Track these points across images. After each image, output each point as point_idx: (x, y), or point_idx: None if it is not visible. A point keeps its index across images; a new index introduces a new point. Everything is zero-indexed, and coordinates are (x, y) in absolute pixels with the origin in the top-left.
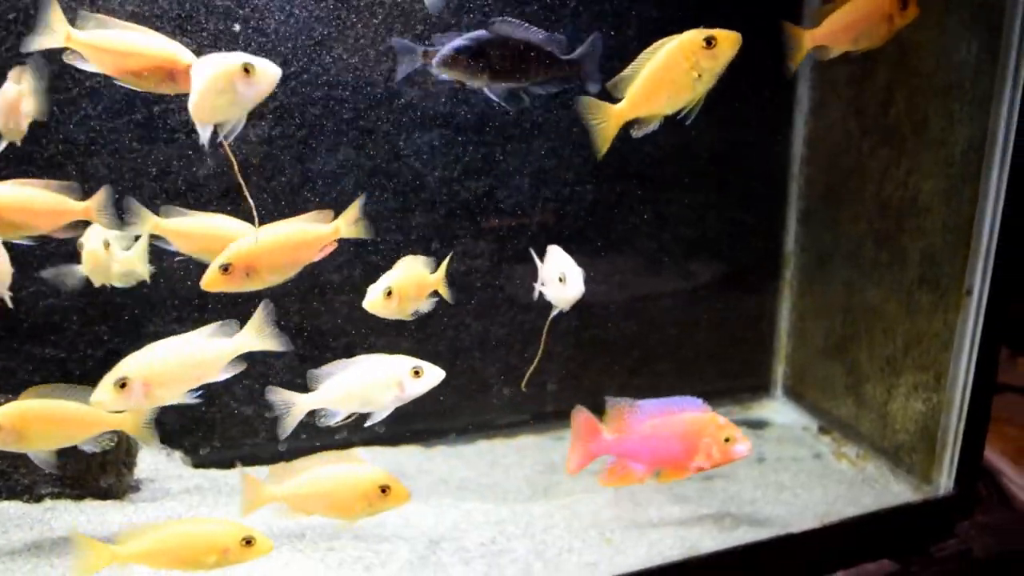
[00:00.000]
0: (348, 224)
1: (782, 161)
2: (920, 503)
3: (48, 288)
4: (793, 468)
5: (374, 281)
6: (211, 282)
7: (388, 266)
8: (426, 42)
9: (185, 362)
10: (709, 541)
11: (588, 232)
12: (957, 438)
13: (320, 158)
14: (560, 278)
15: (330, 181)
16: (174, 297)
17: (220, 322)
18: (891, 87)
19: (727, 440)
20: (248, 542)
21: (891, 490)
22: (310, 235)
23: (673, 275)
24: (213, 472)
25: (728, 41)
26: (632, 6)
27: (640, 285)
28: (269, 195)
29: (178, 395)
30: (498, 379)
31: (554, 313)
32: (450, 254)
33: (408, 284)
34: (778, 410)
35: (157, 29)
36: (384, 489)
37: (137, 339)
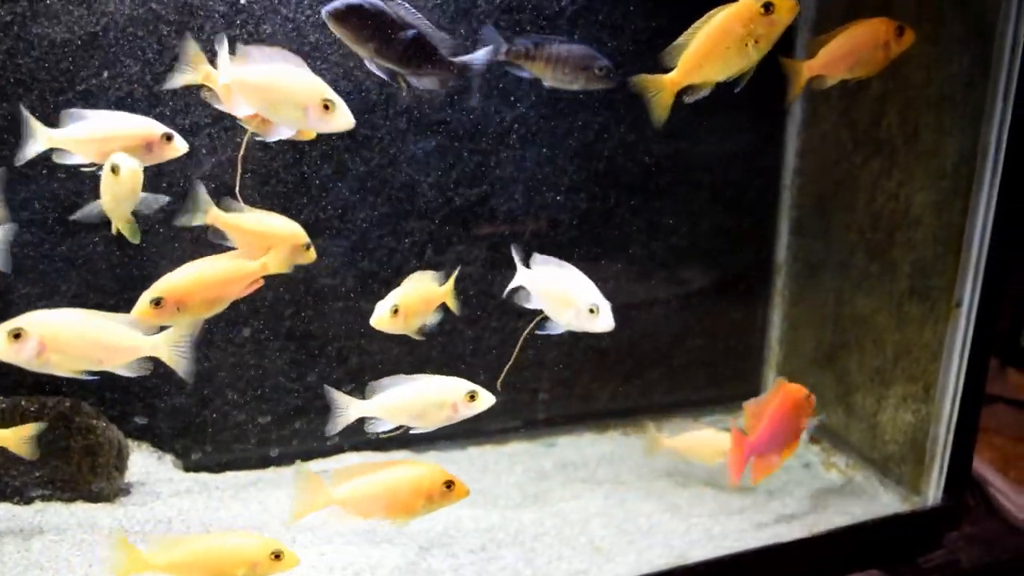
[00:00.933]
0: (275, 261)
1: (774, 171)
2: (909, 513)
3: (42, 290)
4: (783, 477)
5: (366, 287)
6: (141, 314)
7: (380, 272)
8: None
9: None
10: (698, 550)
11: (581, 240)
12: (946, 449)
13: (314, 164)
14: (592, 309)
15: (324, 187)
16: None
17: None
18: (883, 99)
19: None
20: (277, 556)
21: (880, 500)
22: (238, 271)
23: (665, 283)
24: (204, 476)
25: (786, 7)
26: (627, 16)
27: (632, 293)
28: (263, 200)
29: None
30: (490, 385)
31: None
32: (457, 268)
33: (415, 300)
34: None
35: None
36: (449, 485)
37: None
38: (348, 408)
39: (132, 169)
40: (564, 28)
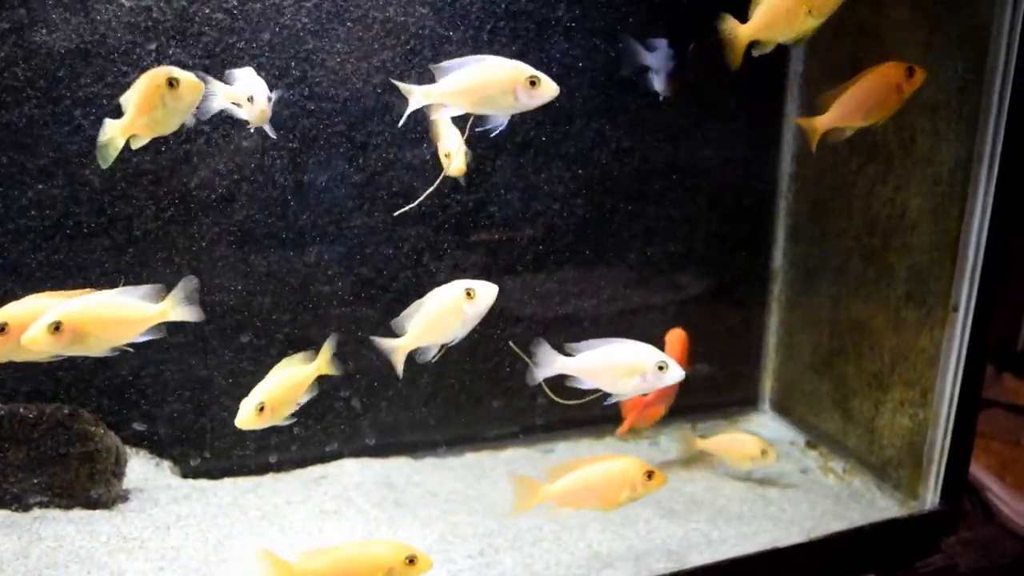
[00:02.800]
0: (175, 306)
1: (771, 177)
2: (906, 518)
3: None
4: (780, 483)
5: (363, 293)
6: (34, 340)
7: (377, 279)
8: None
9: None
10: (696, 555)
11: (578, 246)
12: (943, 453)
13: (312, 170)
14: (661, 366)
15: (321, 193)
16: None
17: None
18: None
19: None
20: (411, 561)
21: (877, 505)
22: (139, 314)
23: (662, 289)
24: (203, 482)
25: None
26: (619, 24)
27: (629, 299)
28: (260, 206)
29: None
30: (487, 391)
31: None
32: (332, 340)
33: (280, 392)
34: (765, 424)
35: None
36: (650, 475)
37: (126, 348)
38: (554, 362)
39: (193, 83)
40: (560, 34)
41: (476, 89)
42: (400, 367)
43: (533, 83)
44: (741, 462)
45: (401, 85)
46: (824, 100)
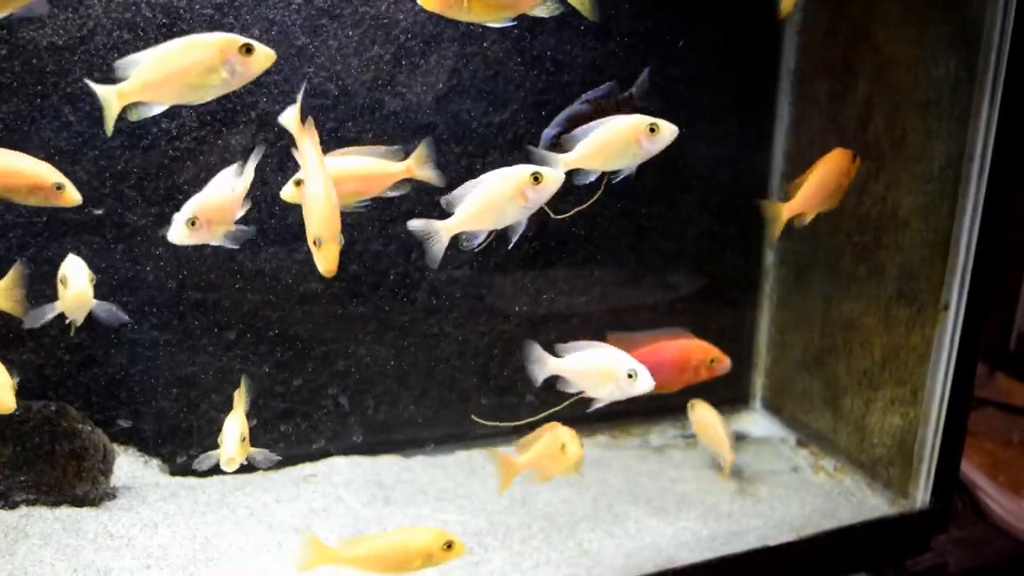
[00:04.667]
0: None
1: (762, 175)
2: (897, 517)
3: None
4: (770, 481)
5: (353, 290)
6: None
7: (367, 276)
8: None
9: None
10: (686, 553)
11: (569, 244)
12: (934, 452)
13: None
14: (630, 374)
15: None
16: (152, 303)
17: None
18: (870, 103)
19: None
20: (449, 546)
21: (868, 503)
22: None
23: (653, 288)
24: (190, 480)
25: None
26: (611, 20)
27: (620, 297)
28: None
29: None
30: (478, 389)
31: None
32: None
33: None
34: (756, 423)
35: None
36: (449, 545)
37: (115, 346)
38: (546, 364)
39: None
40: (551, 29)
41: (604, 150)
42: (440, 253)
43: (653, 130)
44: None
45: (546, 154)
46: (791, 189)
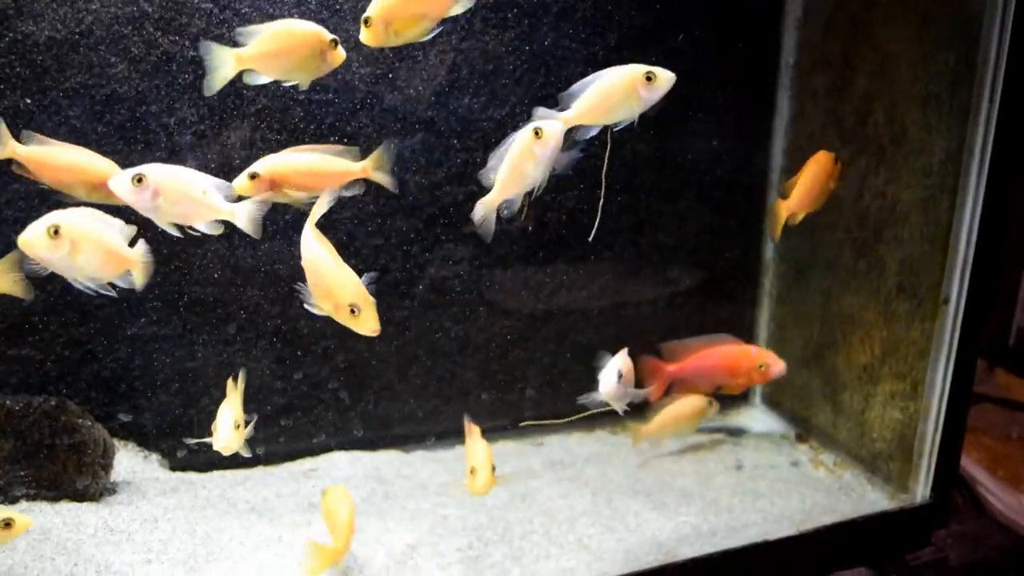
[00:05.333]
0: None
1: (761, 170)
2: (897, 511)
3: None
4: (771, 476)
5: None
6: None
7: (367, 271)
8: None
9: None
10: (686, 548)
11: (568, 239)
12: (934, 447)
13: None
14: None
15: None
16: (152, 298)
17: None
18: (870, 97)
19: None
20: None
21: (868, 498)
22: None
23: (653, 282)
24: (190, 475)
25: None
26: (610, 15)
27: (620, 292)
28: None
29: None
30: (477, 384)
31: None
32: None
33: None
34: (756, 418)
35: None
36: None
37: (114, 341)
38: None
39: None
40: (549, 24)
41: (604, 101)
42: (491, 228)
43: (649, 78)
44: (692, 422)
45: (542, 110)
46: (786, 187)
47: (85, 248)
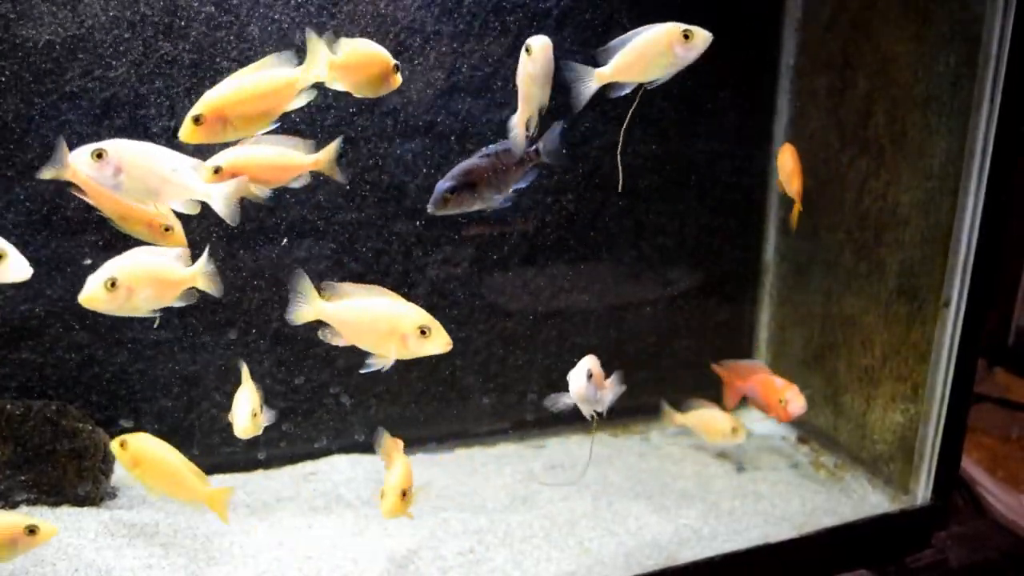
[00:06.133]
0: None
1: (761, 172)
2: (897, 513)
3: (25, 293)
4: (771, 478)
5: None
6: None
7: (368, 274)
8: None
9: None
10: (687, 551)
11: (568, 241)
12: (934, 449)
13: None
14: (423, 330)
15: (311, 188)
16: None
17: None
18: (870, 98)
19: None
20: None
21: (869, 500)
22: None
23: (653, 284)
24: None
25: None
26: (609, 17)
27: (620, 294)
28: (250, 201)
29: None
30: (478, 387)
31: None
32: (207, 247)
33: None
34: (757, 420)
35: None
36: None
37: (115, 344)
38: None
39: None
40: (549, 27)
41: (640, 59)
42: (587, 97)
43: (687, 36)
44: (714, 438)
45: (577, 66)
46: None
47: (141, 289)
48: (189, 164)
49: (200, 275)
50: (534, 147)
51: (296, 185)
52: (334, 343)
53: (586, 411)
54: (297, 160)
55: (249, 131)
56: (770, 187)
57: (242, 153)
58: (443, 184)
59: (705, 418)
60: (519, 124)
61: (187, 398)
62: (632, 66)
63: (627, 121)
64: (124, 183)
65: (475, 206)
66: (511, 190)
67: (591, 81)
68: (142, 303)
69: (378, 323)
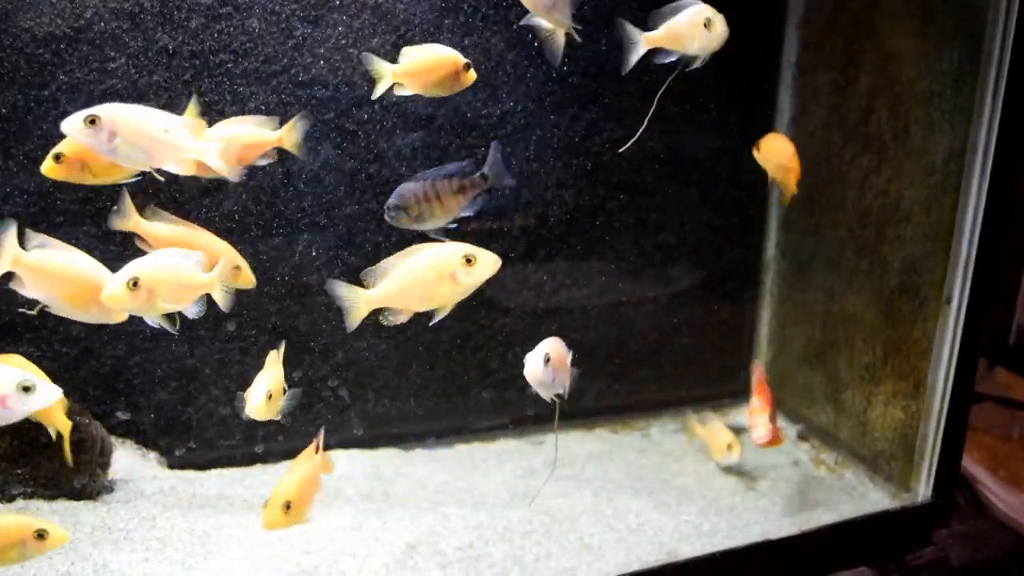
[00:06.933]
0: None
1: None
2: (898, 511)
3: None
4: (772, 475)
5: (352, 282)
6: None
7: (366, 268)
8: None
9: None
10: (687, 547)
11: (569, 237)
12: (935, 446)
13: (300, 159)
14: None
15: (310, 182)
16: None
17: None
18: (873, 95)
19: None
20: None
21: (869, 498)
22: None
23: (654, 281)
24: (189, 473)
25: None
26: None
27: (621, 291)
28: (249, 195)
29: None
30: (477, 382)
31: None
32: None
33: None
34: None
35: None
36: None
37: (111, 338)
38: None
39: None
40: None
41: (685, 31)
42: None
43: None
44: (715, 455)
45: (628, 26)
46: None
47: (162, 290)
48: (181, 123)
49: (213, 284)
50: (479, 173)
51: (263, 162)
52: (398, 321)
53: (544, 395)
54: (259, 136)
55: (108, 179)
56: (772, 183)
57: (209, 133)
58: (391, 202)
59: (711, 433)
60: (368, 302)
61: (184, 391)
62: (677, 37)
63: (653, 105)
64: (119, 147)
65: (415, 227)
66: (459, 215)
67: (640, 43)
68: (160, 306)
69: (425, 277)
